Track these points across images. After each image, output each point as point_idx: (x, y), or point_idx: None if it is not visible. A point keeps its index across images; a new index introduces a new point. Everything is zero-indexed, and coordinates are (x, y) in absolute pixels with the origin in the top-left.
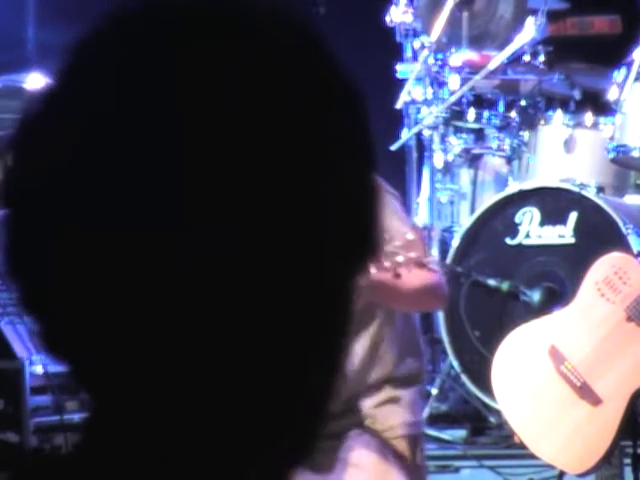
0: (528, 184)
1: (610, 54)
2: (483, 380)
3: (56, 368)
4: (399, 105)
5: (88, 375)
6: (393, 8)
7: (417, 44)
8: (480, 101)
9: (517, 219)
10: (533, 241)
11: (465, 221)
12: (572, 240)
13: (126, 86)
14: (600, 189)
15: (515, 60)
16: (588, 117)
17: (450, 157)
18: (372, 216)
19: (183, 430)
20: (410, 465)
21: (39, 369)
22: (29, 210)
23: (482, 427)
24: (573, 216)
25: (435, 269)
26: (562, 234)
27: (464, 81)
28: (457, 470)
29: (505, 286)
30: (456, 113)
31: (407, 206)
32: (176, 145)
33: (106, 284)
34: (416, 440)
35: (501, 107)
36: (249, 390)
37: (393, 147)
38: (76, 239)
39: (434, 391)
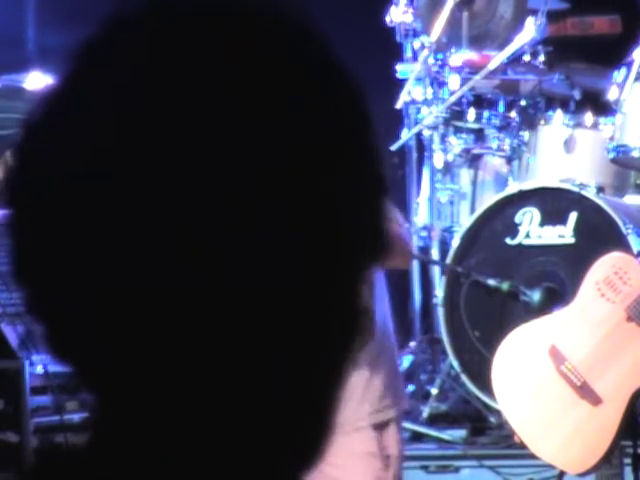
0: (528, 184)
1: (610, 54)
2: (483, 380)
3: (56, 368)
4: (399, 105)
5: (92, 376)
6: (393, 8)
7: (417, 44)
8: (480, 101)
9: (517, 219)
10: (533, 241)
11: (465, 221)
12: (572, 240)
13: (136, 87)
14: (600, 189)
15: (515, 60)
16: (588, 117)
17: (450, 157)
18: (379, 213)
19: (187, 431)
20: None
21: (39, 369)
22: (36, 212)
23: (482, 427)
24: (573, 216)
25: (400, 223)
26: (562, 234)
27: (464, 81)
28: (457, 470)
29: (505, 286)
30: (456, 113)
31: (407, 206)
32: (188, 146)
33: (112, 286)
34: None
35: (501, 107)
36: (255, 390)
37: (393, 147)
38: (83, 241)
39: (434, 391)
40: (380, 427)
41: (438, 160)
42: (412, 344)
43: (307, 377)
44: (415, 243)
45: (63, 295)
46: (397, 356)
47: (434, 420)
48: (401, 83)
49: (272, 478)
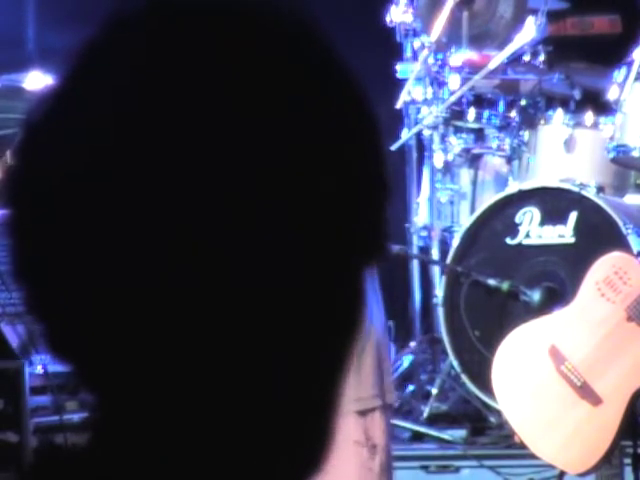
0: (528, 184)
1: (610, 54)
2: (483, 380)
3: (56, 368)
4: (399, 105)
5: (92, 376)
6: (393, 8)
7: (417, 44)
8: (480, 101)
9: (517, 219)
10: (533, 241)
11: (465, 221)
12: (572, 240)
13: (136, 87)
14: (600, 189)
15: (515, 60)
16: (588, 117)
17: (450, 157)
18: (380, 213)
19: (188, 431)
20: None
21: (39, 369)
22: (35, 212)
23: (482, 427)
24: (573, 216)
25: None
26: (562, 234)
27: (464, 81)
28: (457, 470)
29: (505, 286)
30: (456, 113)
31: (407, 206)
32: (187, 146)
33: (111, 286)
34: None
35: (501, 107)
36: (255, 390)
37: (393, 147)
38: (83, 241)
39: (434, 391)
40: (365, 415)
41: (438, 160)
42: (412, 344)
43: (307, 377)
44: (415, 243)
45: (63, 295)
46: (385, 352)
47: (434, 420)
48: (401, 83)
49: (273, 479)
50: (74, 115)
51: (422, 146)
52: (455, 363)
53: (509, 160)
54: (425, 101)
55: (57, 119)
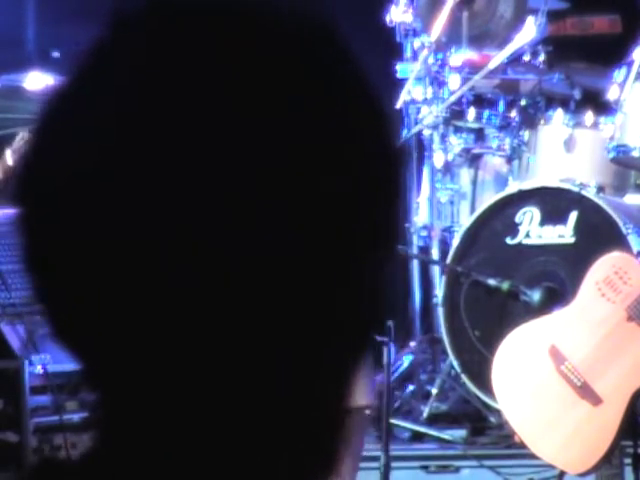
0: (528, 184)
1: (610, 54)
2: (483, 380)
3: (56, 368)
4: (399, 105)
5: (93, 373)
6: (393, 8)
7: (417, 44)
8: (480, 101)
9: (517, 219)
10: (533, 241)
11: (465, 221)
12: (572, 240)
13: (136, 88)
14: (600, 189)
15: (515, 60)
16: (588, 117)
17: (450, 157)
18: (384, 213)
19: (190, 429)
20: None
21: (39, 369)
22: (41, 210)
23: (482, 427)
24: (573, 216)
25: None
26: (562, 234)
27: (464, 81)
28: (457, 470)
29: (505, 286)
30: (456, 113)
31: (407, 206)
32: (188, 146)
33: (112, 285)
34: None
35: (501, 107)
36: (258, 388)
37: None
38: (85, 240)
39: (434, 391)
40: None
41: (438, 160)
42: (412, 344)
43: (309, 376)
44: (415, 243)
45: (66, 293)
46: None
47: (434, 420)
48: (401, 83)
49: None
50: (78, 115)
51: (422, 146)
52: (455, 363)
53: (509, 160)
54: (425, 101)
55: (62, 119)
